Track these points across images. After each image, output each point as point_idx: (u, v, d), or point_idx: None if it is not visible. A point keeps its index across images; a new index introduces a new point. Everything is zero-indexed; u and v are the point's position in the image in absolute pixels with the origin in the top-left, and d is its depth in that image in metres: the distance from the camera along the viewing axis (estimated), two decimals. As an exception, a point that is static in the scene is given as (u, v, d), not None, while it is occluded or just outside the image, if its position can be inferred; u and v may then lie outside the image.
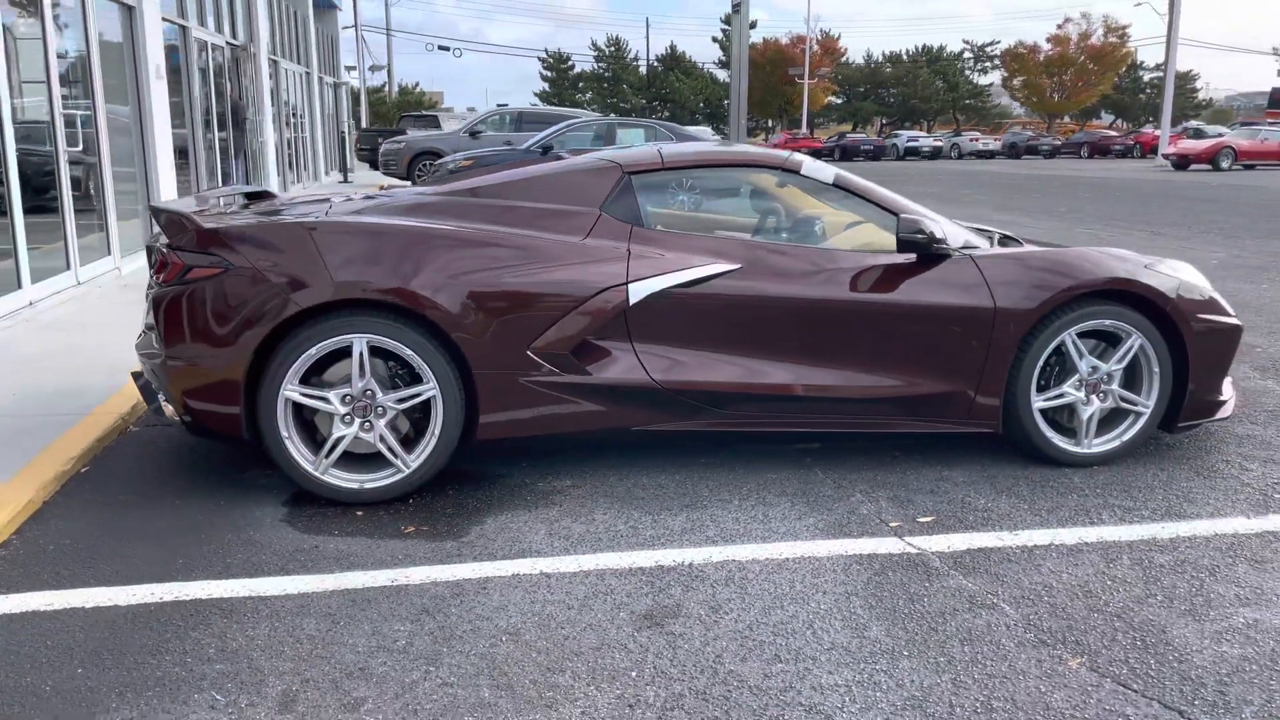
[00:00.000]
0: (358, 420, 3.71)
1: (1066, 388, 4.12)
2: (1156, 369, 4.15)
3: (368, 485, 3.75)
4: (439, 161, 16.52)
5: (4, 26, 7.08)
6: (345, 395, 3.69)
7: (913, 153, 50.83)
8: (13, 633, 2.83)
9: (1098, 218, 15.64)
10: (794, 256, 4.05)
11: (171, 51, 11.34)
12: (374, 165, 23.68)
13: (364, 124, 43.65)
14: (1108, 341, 4.20)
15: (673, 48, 73.66)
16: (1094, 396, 4.14)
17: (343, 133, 25.53)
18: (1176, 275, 4.26)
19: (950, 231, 4.15)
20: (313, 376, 3.74)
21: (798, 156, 4.36)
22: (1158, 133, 43.31)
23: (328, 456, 3.71)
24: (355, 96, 45.45)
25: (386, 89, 61.11)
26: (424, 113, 36.58)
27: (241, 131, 14.90)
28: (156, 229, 3.96)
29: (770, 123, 73.84)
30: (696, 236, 4.06)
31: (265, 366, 3.64)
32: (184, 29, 11.81)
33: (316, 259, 3.65)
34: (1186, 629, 2.87)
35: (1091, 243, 11.48)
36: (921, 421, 4.12)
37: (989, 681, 2.60)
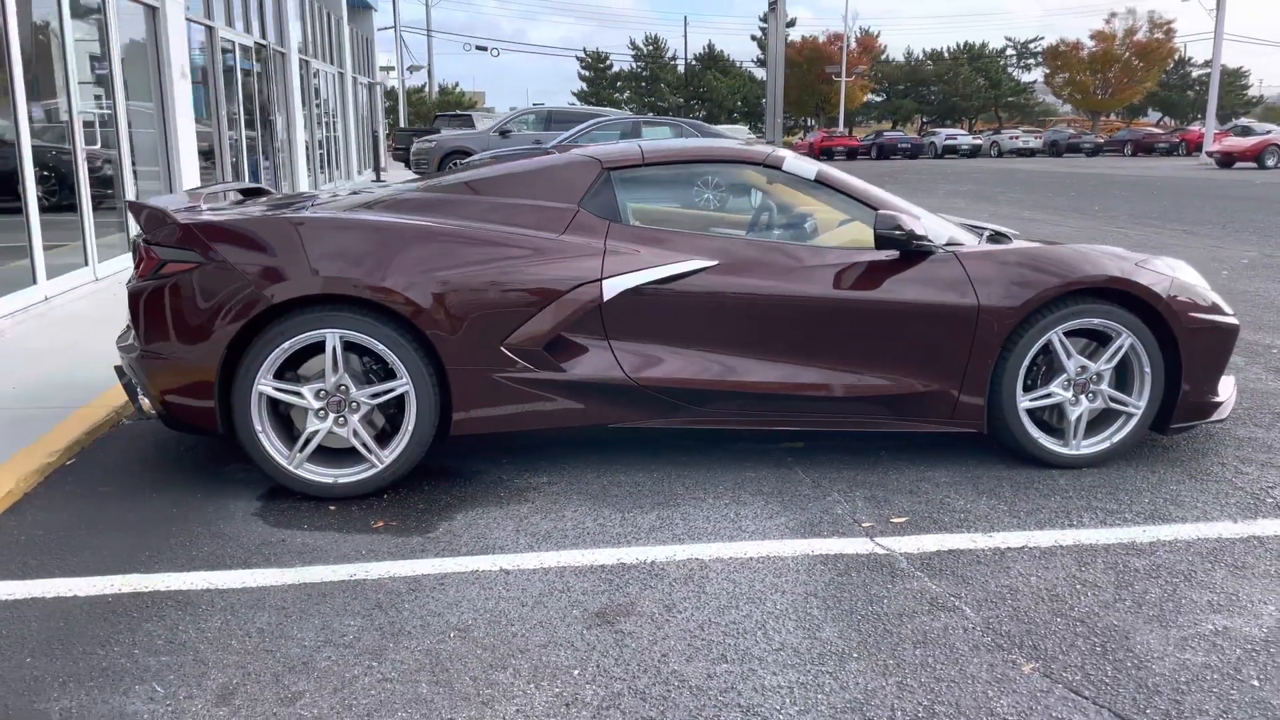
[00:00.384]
0: (331, 415, 3.73)
1: (1054, 387, 4.03)
2: (1148, 369, 4.04)
3: (341, 480, 3.76)
4: (466, 160, 16.63)
5: (30, 26, 7.21)
6: (319, 390, 3.71)
7: (951, 151, 50.17)
8: (-28, 621, 2.86)
9: (1131, 216, 15.32)
10: (774, 253, 4.00)
11: (198, 51, 11.51)
12: (409, 164, 23.94)
13: (403, 124, 44.06)
14: (1099, 341, 4.10)
15: (711, 46, 73.48)
16: (1082, 397, 4.05)
17: (376, 132, 25.76)
18: (1170, 273, 4.15)
19: (933, 228, 4.07)
20: (288, 371, 3.76)
21: (780, 152, 4.30)
22: (1204, 130, 42.43)
23: (302, 451, 3.73)
24: (393, 96, 45.85)
25: (426, 89, 61.60)
26: (458, 112, 36.90)
27: (270, 131, 15.07)
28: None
29: (809, 121, 73.32)
30: (674, 233, 4.02)
31: (239, 361, 3.66)
32: (210, 29, 11.97)
33: (289, 254, 3.66)
34: (1151, 635, 2.79)
35: (1119, 241, 11.25)
36: (904, 421, 4.05)
37: (935, 685, 2.54)
